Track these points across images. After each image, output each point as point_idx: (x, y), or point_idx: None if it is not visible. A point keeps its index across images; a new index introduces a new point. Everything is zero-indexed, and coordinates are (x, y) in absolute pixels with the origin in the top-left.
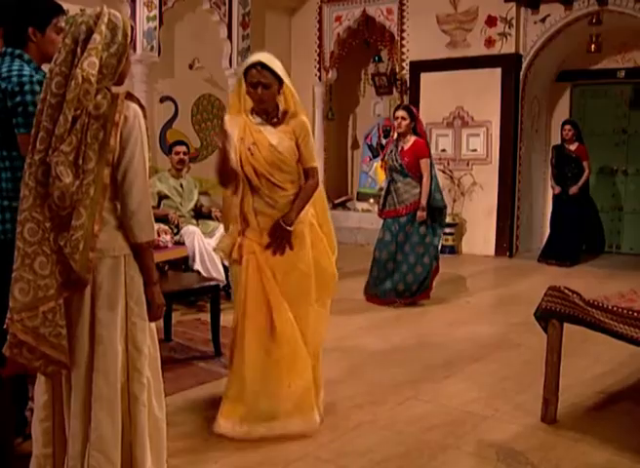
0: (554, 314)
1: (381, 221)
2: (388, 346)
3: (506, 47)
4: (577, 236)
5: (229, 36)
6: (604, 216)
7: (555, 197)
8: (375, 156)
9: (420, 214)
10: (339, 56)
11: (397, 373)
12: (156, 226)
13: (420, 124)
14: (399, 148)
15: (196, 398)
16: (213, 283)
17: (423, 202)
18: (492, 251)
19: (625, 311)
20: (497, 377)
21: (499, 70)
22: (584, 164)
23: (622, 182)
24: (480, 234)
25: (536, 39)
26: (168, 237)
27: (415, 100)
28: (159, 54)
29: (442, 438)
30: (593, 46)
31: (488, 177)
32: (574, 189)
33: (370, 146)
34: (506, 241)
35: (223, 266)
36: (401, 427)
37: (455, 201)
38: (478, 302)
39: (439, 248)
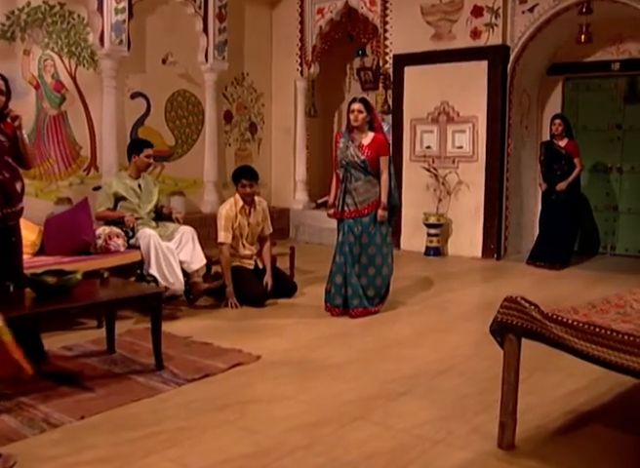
0: (511, 328)
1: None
2: (346, 358)
3: (493, 38)
4: (567, 237)
5: (205, 29)
6: (598, 216)
7: (544, 196)
8: None
9: (382, 214)
10: (321, 50)
11: (349, 390)
12: (107, 229)
13: (376, 118)
14: (356, 143)
15: (124, 416)
16: (153, 291)
17: (385, 200)
18: (479, 252)
19: (586, 326)
20: (458, 394)
21: (485, 63)
22: (575, 161)
23: (617, 180)
24: (466, 235)
25: (524, 30)
26: (120, 241)
27: (398, 95)
28: (129, 48)
29: (383, 467)
30: (583, 36)
31: (474, 176)
32: (562, 185)
33: None
34: (494, 242)
35: (183, 272)
36: (339, 453)
37: (440, 200)
38: (455, 308)
39: None
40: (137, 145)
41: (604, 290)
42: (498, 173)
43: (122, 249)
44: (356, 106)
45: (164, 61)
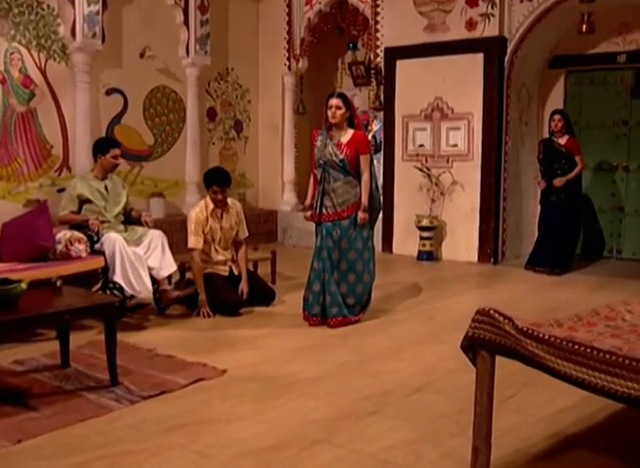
0: (483, 344)
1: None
2: (317, 373)
3: (489, 29)
4: (568, 240)
5: (186, 21)
6: (603, 218)
7: (544, 197)
8: None
9: (363, 216)
10: (310, 43)
11: (316, 408)
12: (68, 234)
13: (356, 115)
14: (335, 141)
15: (67, 438)
16: (106, 300)
17: (365, 202)
18: (475, 256)
19: (564, 343)
20: (433, 414)
21: (481, 56)
22: (576, 159)
23: (623, 180)
24: (462, 238)
25: (522, 20)
26: (81, 246)
27: (390, 91)
28: (103, 41)
29: None
30: (585, 26)
31: (470, 175)
32: (560, 180)
33: None
34: (490, 246)
35: (152, 278)
36: None
37: (433, 201)
38: (444, 317)
39: None
40: (102, 145)
41: (606, 297)
42: (494, 172)
43: (84, 254)
44: (334, 102)
45: (142, 56)
